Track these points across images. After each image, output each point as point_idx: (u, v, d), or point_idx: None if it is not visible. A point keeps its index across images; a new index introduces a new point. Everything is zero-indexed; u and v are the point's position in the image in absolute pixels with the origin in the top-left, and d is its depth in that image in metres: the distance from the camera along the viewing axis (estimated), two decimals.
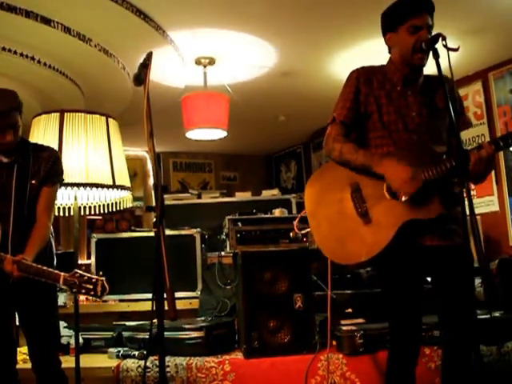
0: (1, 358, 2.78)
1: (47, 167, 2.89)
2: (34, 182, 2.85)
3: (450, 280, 2.44)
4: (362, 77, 2.66)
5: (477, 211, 5.66)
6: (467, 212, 2.16)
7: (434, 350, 3.24)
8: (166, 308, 2.00)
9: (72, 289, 2.56)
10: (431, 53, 2.40)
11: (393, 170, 2.44)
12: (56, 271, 2.61)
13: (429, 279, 2.68)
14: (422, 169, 2.42)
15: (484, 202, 5.80)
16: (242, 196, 5.31)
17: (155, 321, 2.17)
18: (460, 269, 2.42)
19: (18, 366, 2.88)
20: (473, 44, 5.16)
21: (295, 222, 3.34)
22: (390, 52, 2.70)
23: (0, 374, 2.75)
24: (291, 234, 3.58)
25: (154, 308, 2.09)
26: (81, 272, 2.58)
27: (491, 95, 5.82)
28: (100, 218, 7.93)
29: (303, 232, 3.27)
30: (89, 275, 2.59)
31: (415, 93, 2.61)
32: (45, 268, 2.62)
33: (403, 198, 2.43)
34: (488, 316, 3.46)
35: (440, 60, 2.32)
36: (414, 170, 2.41)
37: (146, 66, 2.24)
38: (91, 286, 2.57)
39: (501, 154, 5.60)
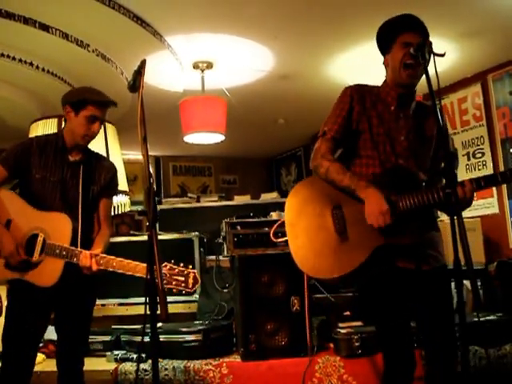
0: (27, 360, 2.76)
1: (108, 177, 2.98)
2: (95, 187, 2.92)
3: (429, 304, 2.48)
4: (356, 94, 2.64)
5: (476, 213, 5.71)
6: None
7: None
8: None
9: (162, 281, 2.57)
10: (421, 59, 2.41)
11: (372, 201, 2.43)
12: (143, 264, 2.62)
13: None
14: (401, 197, 2.44)
15: (484, 205, 5.79)
16: (241, 199, 5.32)
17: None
18: (437, 292, 2.46)
19: None
20: (472, 46, 5.16)
21: (271, 232, 3.36)
22: (386, 75, 2.72)
23: (19, 375, 2.73)
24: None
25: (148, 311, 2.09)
26: (171, 265, 2.60)
27: (490, 97, 5.81)
28: None
29: (279, 241, 3.27)
30: (180, 268, 2.60)
31: (407, 116, 2.62)
32: (129, 261, 2.68)
33: (374, 224, 2.44)
34: (484, 319, 3.48)
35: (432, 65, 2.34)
36: (390, 206, 2.41)
37: (140, 73, 2.26)
38: (182, 279, 2.58)
39: (500, 156, 5.62)
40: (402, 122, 2.60)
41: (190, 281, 2.59)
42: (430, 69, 2.34)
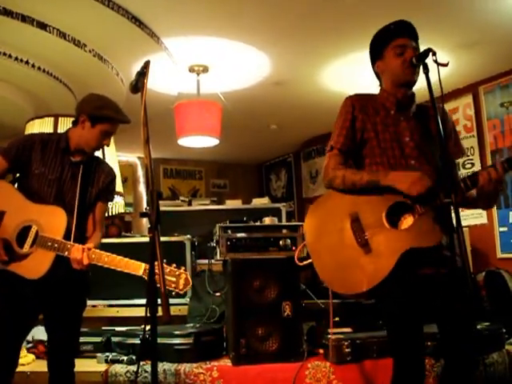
0: (10, 358, 2.74)
1: (107, 181, 2.99)
2: (93, 190, 2.92)
3: (449, 307, 2.45)
4: (358, 103, 2.66)
5: (465, 223, 5.72)
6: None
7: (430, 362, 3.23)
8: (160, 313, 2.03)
9: None
10: (421, 68, 2.44)
11: (401, 176, 2.46)
12: (136, 262, 2.62)
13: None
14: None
15: (472, 214, 5.83)
16: (232, 204, 5.32)
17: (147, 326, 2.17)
18: (456, 294, 2.43)
19: None
20: (464, 58, 5.22)
21: (295, 256, 3.30)
22: (380, 83, 2.74)
23: (3, 366, 2.71)
24: (281, 243, 3.61)
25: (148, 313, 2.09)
26: (163, 264, 2.58)
27: (481, 108, 5.88)
28: None
29: (304, 263, 3.23)
30: (172, 268, 2.58)
31: (408, 118, 2.64)
32: (121, 257, 2.66)
33: (415, 193, 2.42)
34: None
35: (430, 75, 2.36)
36: (421, 173, 2.45)
37: (143, 74, 2.26)
38: (174, 279, 2.56)
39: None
40: (403, 124, 2.62)
41: (181, 282, 2.57)
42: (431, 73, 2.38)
